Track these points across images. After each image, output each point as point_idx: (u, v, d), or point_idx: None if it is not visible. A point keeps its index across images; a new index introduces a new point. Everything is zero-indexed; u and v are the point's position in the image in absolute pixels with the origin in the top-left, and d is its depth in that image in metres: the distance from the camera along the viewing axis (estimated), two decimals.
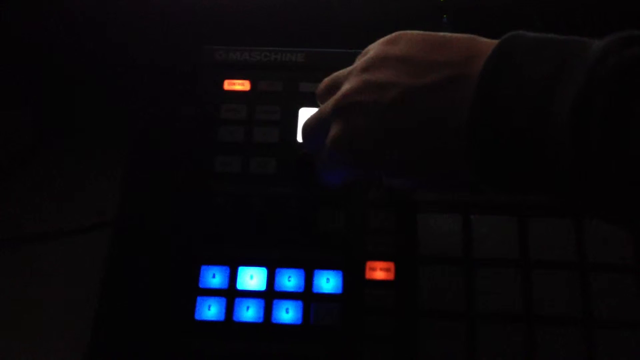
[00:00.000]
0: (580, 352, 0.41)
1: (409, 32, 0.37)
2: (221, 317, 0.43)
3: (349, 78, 0.38)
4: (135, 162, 0.49)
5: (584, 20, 0.56)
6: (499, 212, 0.46)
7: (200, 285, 0.44)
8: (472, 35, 0.34)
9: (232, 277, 0.44)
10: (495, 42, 0.32)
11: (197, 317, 0.43)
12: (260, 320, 0.43)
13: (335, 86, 0.40)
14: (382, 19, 0.55)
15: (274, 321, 0.43)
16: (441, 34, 0.36)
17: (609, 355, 0.41)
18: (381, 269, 0.44)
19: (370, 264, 0.45)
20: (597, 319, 0.42)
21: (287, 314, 0.43)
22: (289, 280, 0.44)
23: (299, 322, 0.43)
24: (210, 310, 0.44)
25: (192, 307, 0.44)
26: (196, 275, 0.44)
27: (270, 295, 0.44)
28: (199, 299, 0.44)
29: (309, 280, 0.44)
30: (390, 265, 0.44)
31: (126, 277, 0.45)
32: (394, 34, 0.38)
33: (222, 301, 0.44)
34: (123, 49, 0.55)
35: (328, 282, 0.44)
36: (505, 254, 0.44)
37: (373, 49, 0.38)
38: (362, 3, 0.56)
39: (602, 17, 0.55)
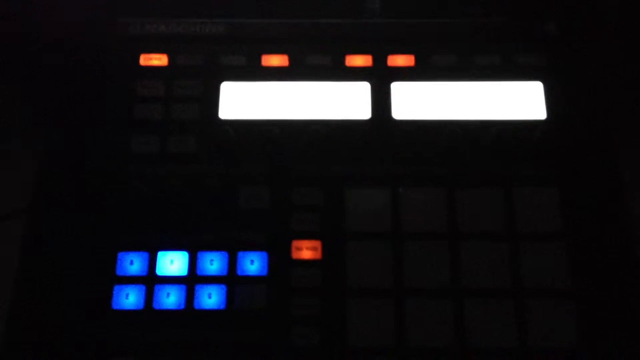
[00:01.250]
0: (511, 323, 0.40)
1: None
2: (140, 306, 0.41)
3: None
4: (49, 147, 0.46)
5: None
6: (428, 183, 0.44)
7: (117, 273, 0.42)
8: None
9: (152, 263, 0.42)
10: None
11: (115, 306, 0.41)
12: (182, 306, 0.41)
13: None
14: None
15: (196, 307, 0.41)
16: None
17: (539, 325, 0.40)
18: (307, 248, 0.43)
19: (296, 243, 0.43)
20: (528, 290, 0.41)
21: (210, 299, 0.41)
22: (211, 263, 0.42)
23: (223, 306, 0.41)
24: (129, 298, 0.41)
25: (108, 297, 0.41)
26: (113, 263, 0.42)
27: (192, 280, 0.42)
28: (116, 287, 0.42)
29: (232, 263, 0.42)
30: (317, 243, 0.43)
31: (39, 268, 0.42)
32: None
33: (141, 289, 0.42)
34: (32, 25, 0.52)
35: (252, 264, 0.42)
36: (434, 227, 0.43)
37: None
38: None
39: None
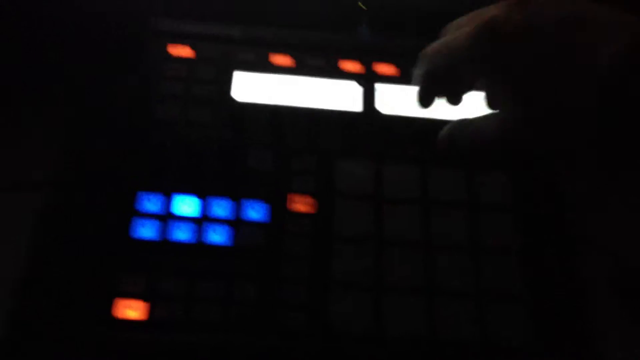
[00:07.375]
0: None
1: None
2: (156, 237, 0.47)
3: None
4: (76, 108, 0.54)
5: None
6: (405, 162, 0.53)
7: (137, 208, 0.48)
8: None
9: (167, 204, 0.49)
10: None
11: (133, 235, 0.47)
12: (194, 240, 0.47)
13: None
14: None
15: (205, 241, 0.48)
16: None
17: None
18: (302, 202, 0.50)
19: (292, 196, 0.50)
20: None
21: (217, 235, 0.48)
22: (219, 207, 0.49)
23: (229, 243, 0.48)
24: (146, 229, 0.47)
25: (127, 227, 0.47)
26: (132, 201, 0.49)
27: (202, 220, 0.48)
28: (134, 219, 0.48)
29: (238, 209, 0.49)
30: (311, 199, 0.50)
31: (64, 206, 0.48)
32: None
33: (158, 223, 0.48)
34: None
35: (255, 211, 0.49)
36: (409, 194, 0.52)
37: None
38: None
39: None
